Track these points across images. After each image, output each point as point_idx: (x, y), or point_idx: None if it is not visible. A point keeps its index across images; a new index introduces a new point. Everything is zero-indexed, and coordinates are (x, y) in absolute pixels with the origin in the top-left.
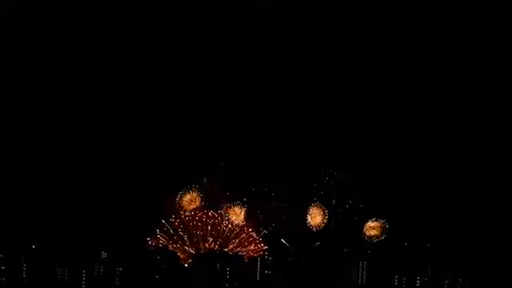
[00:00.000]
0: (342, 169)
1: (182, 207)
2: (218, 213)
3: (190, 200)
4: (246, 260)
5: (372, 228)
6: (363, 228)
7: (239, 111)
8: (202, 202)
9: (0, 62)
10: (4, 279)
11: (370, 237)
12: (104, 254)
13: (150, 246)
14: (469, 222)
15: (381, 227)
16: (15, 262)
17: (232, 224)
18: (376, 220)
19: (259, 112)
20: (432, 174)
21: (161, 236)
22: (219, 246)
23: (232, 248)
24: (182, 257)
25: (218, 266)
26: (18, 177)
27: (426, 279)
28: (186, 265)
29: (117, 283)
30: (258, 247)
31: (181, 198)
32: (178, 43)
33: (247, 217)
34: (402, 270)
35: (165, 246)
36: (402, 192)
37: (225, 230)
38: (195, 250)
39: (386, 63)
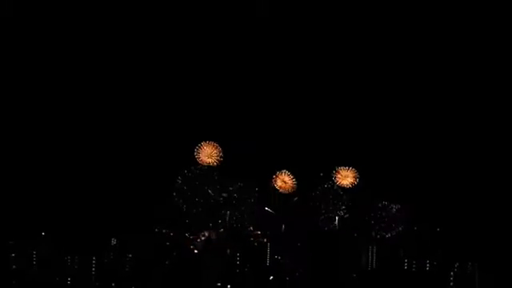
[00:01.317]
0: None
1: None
2: None
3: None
4: (256, 245)
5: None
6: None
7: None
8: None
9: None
10: (14, 266)
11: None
12: (114, 241)
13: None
14: (478, 205)
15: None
16: (25, 249)
17: None
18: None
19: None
20: (442, 155)
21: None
22: (230, 232)
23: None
24: (192, 243)
25: (229, 251)
26: (28, 164)
27: (435, 263)
28: (196, 251)
29: (126, 269)
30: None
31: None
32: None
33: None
34: (412, 254)
35: (175, 233)
36: (411, 176)
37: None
38: (206, 236)
39: (386, 57)
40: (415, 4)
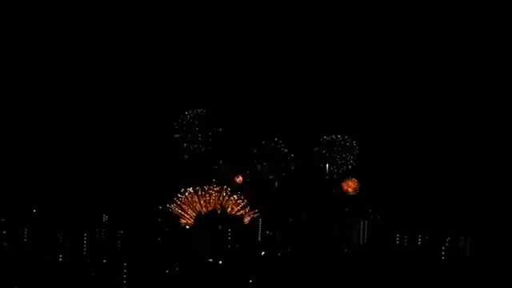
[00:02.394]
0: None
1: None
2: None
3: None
4: (247, 221)
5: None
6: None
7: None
8: None
9: None
10: (5, 243)
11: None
12: (105, 217)
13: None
14: (470, 180)
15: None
16: (16, 226)
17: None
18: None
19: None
20: (432, 132)
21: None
22: (220, 207)
23: (233, 210)
24: (183, 219)
25: (220, 227)
26: (18, 141)
27: (427, 237)
28: (187, 227)
29: (118, 246)
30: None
31: None
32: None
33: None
34: (403, 228)
35: (166, 208)
36: (403, 150)
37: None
38: (197, 212)
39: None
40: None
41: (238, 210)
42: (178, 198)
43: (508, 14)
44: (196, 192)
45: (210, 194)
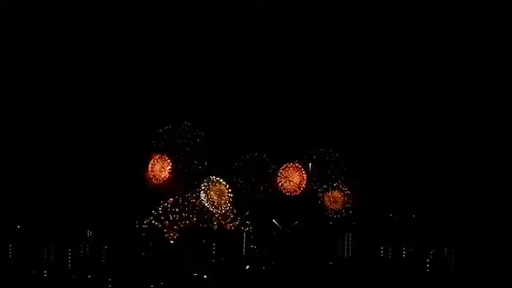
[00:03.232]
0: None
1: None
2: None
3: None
4: (232, 235)
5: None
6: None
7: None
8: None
9: None
10: None
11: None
12: (89, 233)
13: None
14: (455, 190)
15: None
16: (0, 242)
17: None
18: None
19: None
20: (418, 140)
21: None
22: (205, 222)
23: (217, 224)
24: (168, 233)
25: (204, 241)
26: (2, 155)
27: (411, 249)
28: (172, 241)
29: (103, 261)
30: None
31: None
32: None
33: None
34: (388, 240)
35: (151, 223)
36: (386, 161)
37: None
38: (182, 227)
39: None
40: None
41: (223, 224)
42: (162, 211)
43: (508, 14)
44: (181, 205)
45: (195, 207)
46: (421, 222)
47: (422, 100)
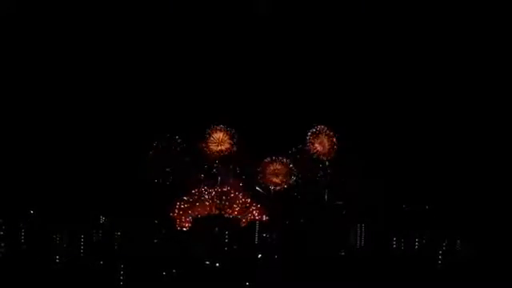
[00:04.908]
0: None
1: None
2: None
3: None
4: (244, 224)
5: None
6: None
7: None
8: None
9: None
10: (3, 244)
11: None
12: (103, 219)
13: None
14: (468, 183)
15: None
16: (14, 227)
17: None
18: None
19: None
20: (431, 133)
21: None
22: (217, 210)
23: (230, 212)
24: (180, 221)
25: (217, 229)
26: (16, 141)
27: (424, 241)
28: (184, 229)
29: (115, 248)
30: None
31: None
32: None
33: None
34: (401, 232)
35: (164, 211)
36: (400, 152)
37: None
38: (194, 214)
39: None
40: None
41: (235, 212)
42: (176, 200)
43: (508, 14)
44: (193, 194)
45: (208, 196)
46: (434, 214)
47: (437, 91)
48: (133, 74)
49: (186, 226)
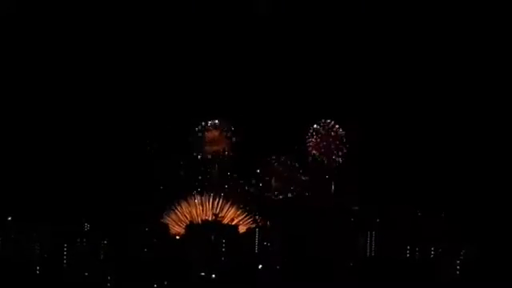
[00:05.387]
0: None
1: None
2: None
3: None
4: (243, 231)
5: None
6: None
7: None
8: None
9: None
10: None
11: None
12: (87, 226)
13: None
14: (483, 192)
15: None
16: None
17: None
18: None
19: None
20: (449, 139)
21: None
22: (213, 217)
23: (227, 219)
24: (175, 229)
25: (213, 237)
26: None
27: (440, 250)
28: (177, 237)
29: (101, 257)
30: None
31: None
32: None
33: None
34: (415, 240)
35: (154, 218)
36: (414, 157)
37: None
38: (189, 222)
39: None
40: None
41: (233, 219)
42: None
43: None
44: (188, 200)
45: (204, 202)
46: (450, 222)
47: (437, 92)
48: (133, 78)
49: (180, 233)
